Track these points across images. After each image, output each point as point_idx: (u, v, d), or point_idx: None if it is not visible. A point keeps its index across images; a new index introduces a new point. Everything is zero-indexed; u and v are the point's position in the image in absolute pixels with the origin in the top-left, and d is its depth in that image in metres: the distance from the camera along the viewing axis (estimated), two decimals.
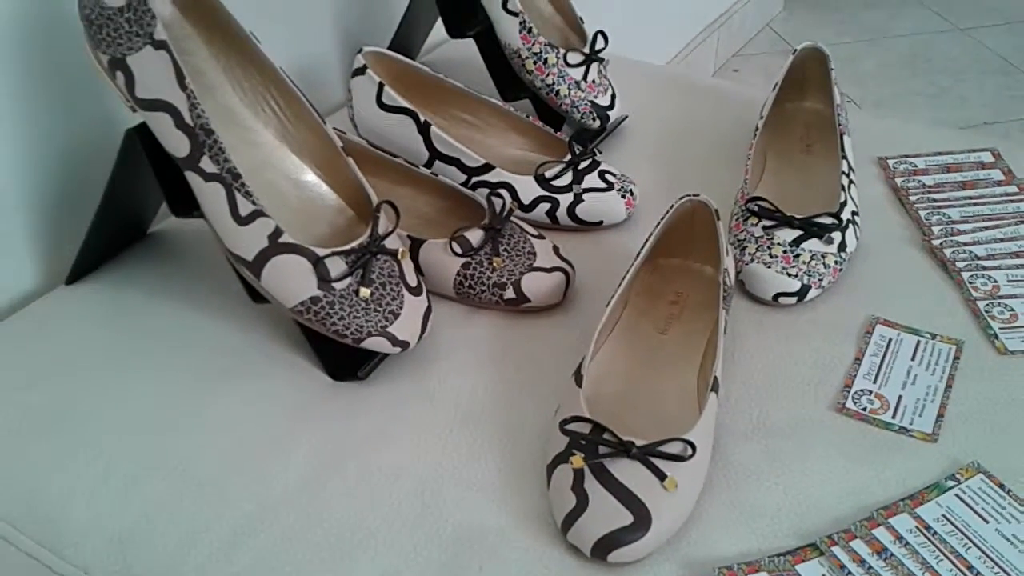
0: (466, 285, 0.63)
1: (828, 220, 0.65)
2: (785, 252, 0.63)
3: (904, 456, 0.53)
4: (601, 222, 0.71)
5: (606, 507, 0.46)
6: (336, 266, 0.55)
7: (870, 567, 0.46)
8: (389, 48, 0.81)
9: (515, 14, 0.77)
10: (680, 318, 0.61)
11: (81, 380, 0.58)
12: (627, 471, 0.47)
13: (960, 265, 0.66)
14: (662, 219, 0.61)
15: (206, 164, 0.54)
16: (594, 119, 0.78)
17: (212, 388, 0.58)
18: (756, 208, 0.66)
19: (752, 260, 0.64)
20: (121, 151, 0.57)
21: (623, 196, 0.70)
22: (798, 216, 0.64)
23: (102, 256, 0.67)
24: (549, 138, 0.76)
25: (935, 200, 0.73)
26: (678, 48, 1.78)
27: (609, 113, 0.79)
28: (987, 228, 0.69)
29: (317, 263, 0.54)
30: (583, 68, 0.77)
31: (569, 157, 0.71)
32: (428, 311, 0.58)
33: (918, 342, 0.60)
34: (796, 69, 0.79)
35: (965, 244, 0.68)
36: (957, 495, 0.50)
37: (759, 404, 0.57)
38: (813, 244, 0.64)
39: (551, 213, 0.71)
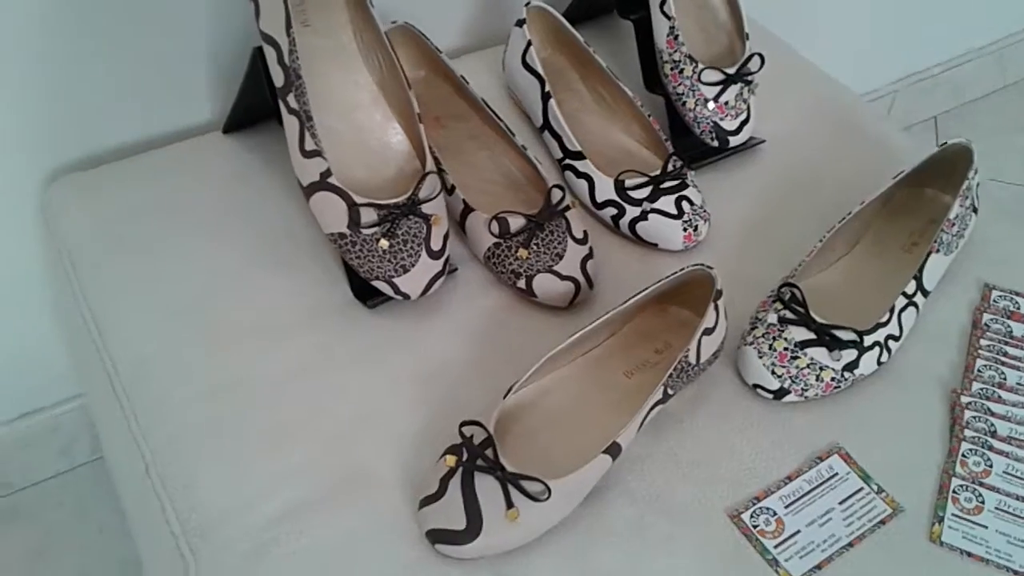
0: (492, 261, 0.70)
1: (848, 336, 0.63)
2: (785, 349, 0.63)
3: None
4: (656, 244, 0.73)
5: (452, 506, 0.54)
6: (368, 215, 0.64)
7: None
8: (568, 7, 0.85)
9: (668, 17, 0.76)
10: (654, 368, 0.64)
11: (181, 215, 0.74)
12: (486, 487, 0.55)
13: (968, 433, 0.62)
14: (671, 275, 0.63)
15: (291, 100, 0.63)
16: (713, 139, 0.78)
17: (258, 265, 0.71)
18: (787, 295, 0.65)
19: (752, 343, 0.64)
20: (251, 59, 0.68)
21: (685, 229, 0.72)
22: (820, 319, 0.64)
23: (249, 120, 0.81)
24: (659, 144, 0.77)
25: (1007, 355, 0.67)
26: (894, 78, 1.55)
27: (731, 138, 0.78)
28: None
29: (352, 207, 0.63)
30: (718, 88, 0.76)
31: (658, 172, 0.73)
32: (439, 275, 0.66)
33: (860, 489, 0.60)
34: (937, 162, 0.73)
35: (994, 413, 0.63)
36: None
37: (667, 477, 0.60)
38: (818, 353, 0.63)
39: (615, 219, 0.74)
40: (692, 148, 0.80)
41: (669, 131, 0.81)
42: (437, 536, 0.54)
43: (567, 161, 0.77)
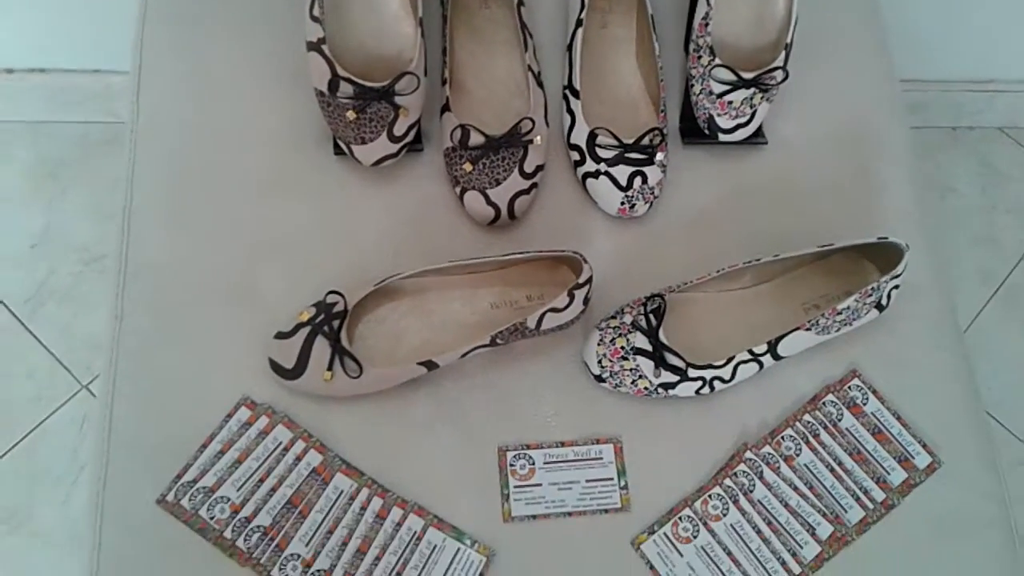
0: (446, 159, 0.78)
1: (677, 363, 0.71)
2: (622, 348, 0.72)
3: None
4: (596, 203, 0.80)
5: (291, 349, 0.70)
6: (345, 87, 0.73)
7: None
8: None
9: (708, 4, 0.76)
10: (516, 310, 0.75)
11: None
12: (320, 347, 0.69)
13: (727, 483, 0.72)
14: (548, 252, 0.71)
15: None
16: (706, 129, 0.80)
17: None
18: (653, 304, 0.73)
19: (602, 328, 0.73)
20: None
21: (623, 203, 0.78)
22: (663, 338, 0.72)
23: None
24: (655, 110, 0.81)
25: (817, 437, 0.74)
26: None
27: (721, 135, 0.80)
28: None
29: (334, 77, 0.73)
30: (726, 87, 0.77)
31: (630, 142, 0.78)
32: (394, 155, 0.76)
33: (609, 478, 0.72)
34: (874, 247, 0.75)
35: (763, 478, 0.72)
36: None
37: (474, 401, 0.74)
38: (645, 364, 0.72)
39: (576, 164, 0.80)
40: (694, 121, 0.83)
41: (682, 96, 0.83)
42: (272, 364, 0.71)
43: (566, 91, 0.82)
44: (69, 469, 1.17)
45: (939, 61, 1.25)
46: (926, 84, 1.29)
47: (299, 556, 0.67)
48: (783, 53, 0.77)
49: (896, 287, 0.74)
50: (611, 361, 0.72)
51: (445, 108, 0.79)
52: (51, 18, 1.17)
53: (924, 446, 0.74)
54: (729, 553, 0.70)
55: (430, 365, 0.70)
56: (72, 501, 1.15)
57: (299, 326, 0.71)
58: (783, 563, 0.70)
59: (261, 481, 0.69)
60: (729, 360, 0.72)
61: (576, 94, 0.80)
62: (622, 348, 0.72)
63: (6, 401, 1.21)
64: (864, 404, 0.75)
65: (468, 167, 0.77)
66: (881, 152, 0.86)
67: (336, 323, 0.70)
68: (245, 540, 0.67)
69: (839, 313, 0.72)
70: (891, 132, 0.87)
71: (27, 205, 1.30)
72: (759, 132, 0.84)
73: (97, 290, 1.25)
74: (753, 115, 0.79)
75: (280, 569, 0.67)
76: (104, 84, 1.27)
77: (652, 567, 0.69)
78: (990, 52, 1.24)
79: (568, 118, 0.81)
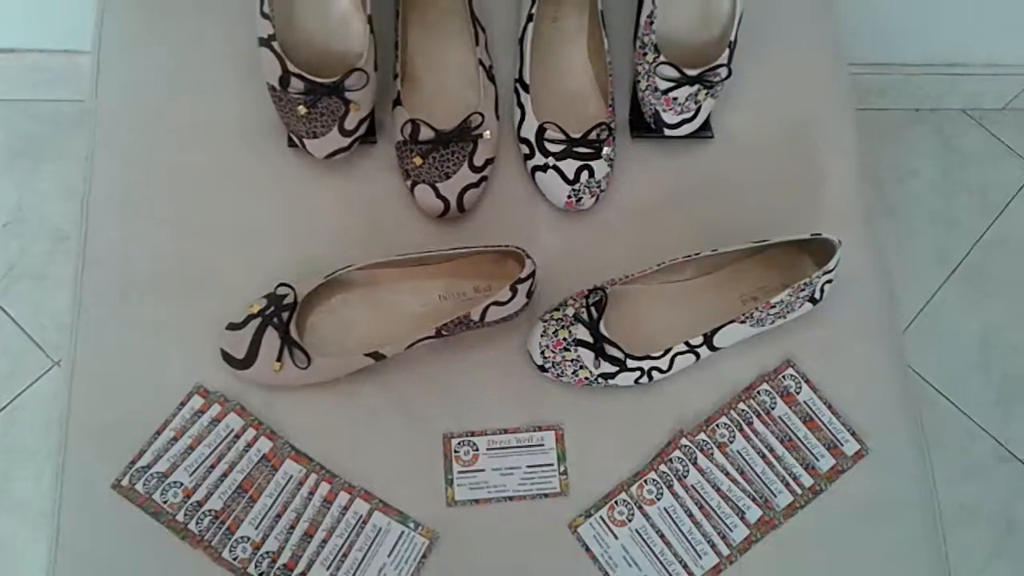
0: (397, 152, 0.80)
1: (616, 354, 0.74)
2: (564, 339, 0.75)
3: None
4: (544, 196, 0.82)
5: (242, 340, 0.72)
6: (296, 83, 0.75)
7: None
8: None
9: (654, 4, 0.77)
10: (464, 302, 0.77)
11: None
12: (270, 338, 0.72)
13: (663, 468, 0.75)
14: (493, 246, 0.74)
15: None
16: (652, 124, 0.82)
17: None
18: (595, 297, 0.75)
19: (545, 320, 0.76)
20: None
21: (570, 196, 0.80)
22: (604, 331, 0.74)
23: None
24: (603, 104, 0.83)
25: (751, 424, 0.77)
26: None
27: (667, 130, 0.82)
28: None
29: (284, 73, 0.74)
30: (670, 83, 0.79)
31: (578, 136, 0.80)
32: (345, 149, 0.78)
33: (551, 464, 0.75)
34: (810, 243, 0.78)
35: (696, 464, 0.75)
36: None
37: (419, 391, 0.76)
38: (586, 355, 0.74)
39: (525, 158, 0.82)
40: (642, 116, 0.84)
41: (631, 91, 0.85)
42: (224, 354, 0.73)
43: (517, 85, 0.83)
44: (42, 444, 1.20)
45: (902, 46, 1.27)
46: (889, 67, 1.30)
47: (249, 539, 0.70)
48: (727, 51, 0.79)
49: (829, 281, 0.77)
50: (553, 352, 0.75)
51: (397, 102, 0.81)
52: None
53: (853, 434, 0.77)
54: (662, 536, 0.73)
55: (377, 356, 0.73)
56: (44, 475, 1.19)
57: (250, 317, 0.73)
58: (713, 545, 0.73)
59: (213, 467, 0.72)
60: (667, 351, 0.75)
61: (526, 88, 0.82)
62: (564, 340, 0.75)
63: None
64: (797, 393, 0.78)
65: (418, 161, 0.79)
66: (827, 145, 0.88)
67: (285, 315, 0.72)
68: (197, 523, 0.70)
69: (773, 307, 0.75)
70: (838, 125, 0.89)
71: None
72: (706, 126, 0.86)
73: (69, 270, 1.27)
74: (698, 111, 0.81)
75: (230, 551, 0.70)
76: (75, 64, 1.27)
77: (588, 549, 0.73)
78: (954, 36, 1.25)
79: (518, 112, 0.83)
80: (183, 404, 0.73)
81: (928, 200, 1.36)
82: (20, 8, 1.19)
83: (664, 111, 0.81)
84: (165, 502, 0.71)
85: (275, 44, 0.74)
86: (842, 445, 0.77)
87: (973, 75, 1.31)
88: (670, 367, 0.75)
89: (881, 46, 1.26)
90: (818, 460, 0.76)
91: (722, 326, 0.75)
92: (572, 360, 0.75)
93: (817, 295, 0.77)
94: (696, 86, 0.79)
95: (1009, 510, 1.26)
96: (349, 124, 0.77)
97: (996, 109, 1.41)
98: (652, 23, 0.79)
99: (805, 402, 0.78)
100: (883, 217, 1.36)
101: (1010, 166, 1.38)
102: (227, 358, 0.73)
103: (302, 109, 0.76)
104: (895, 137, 1.39)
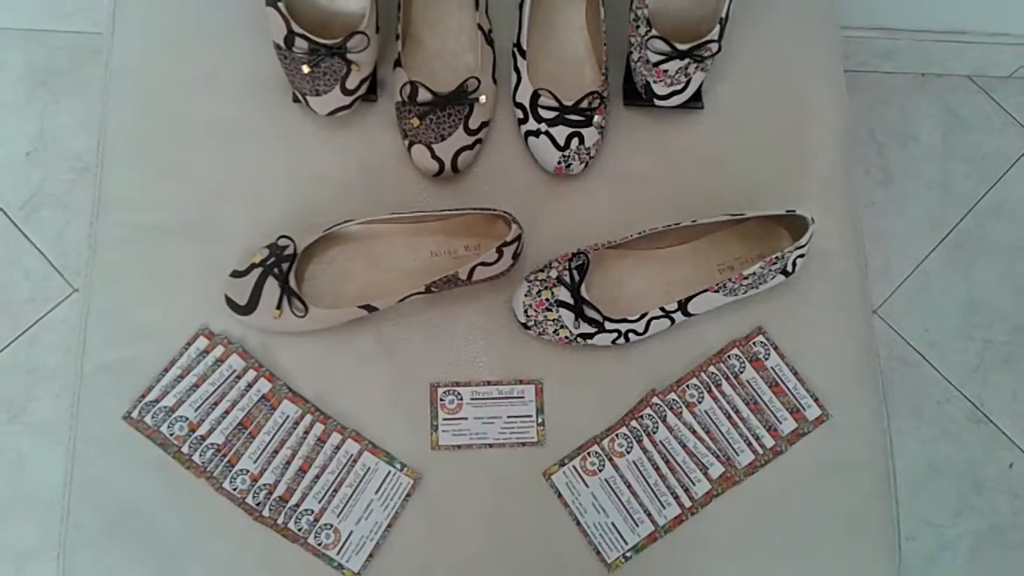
0: (396, 113, 0.84)
1: (595, 316, 0.79)
2: (547, 300, 0.79)
3: None
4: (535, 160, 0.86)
5: (244, 287, 0.77)
6: (300, 43, 0.78)
7: None
8: None
9: None
10: (455, 259, 0.82)
11: None
12: (271, 286, 0.77)
13: (633, 424, 0.80)
14: (483, 209, 0.78)
15: None
16: (643, 93, 0.85)
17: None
18: (578, 261, 0.79)
19: (530, 280, 0.80)
20: None
21: (559, 162, 0.83)
22: (584, 294, 0.79)
23: None
24: (598, 71, 0.85)
25: (719, 387, 0.82)
26: None
27: (657, 101, 0.84)
28: None
29: (289, 33, 0.77)
30: (661, 57, 0.81)
31: (570, 104, 0.83)
32: (346, 107, 0.81)
33: (528, 416, 0.80)
34: (785, 219, 0.81)
35: (665, 421, 0.80)
36: None
37: (408, 336, 0.81)
38: (567, 316, 0.79)
39: (519, 122, 0.85)
40: (628, 90, 0.87)
41: (626, 60, 0.88)
42: (227, 300, 0.78)
43: (515, 49, 0.86)
44: (61, 366, 1.27)
45: (911, 10, 1.27)
46: (897, 32, 1.30)
47: (247, 471, 0.76)
48: (718, 27, 0.81)
49: (801, 256, 0.80)
50: (536, 311, 0.79)
51: (397, 63, 0.84)
52: None
53: (816, 400, 0.82)
54: (629, 486, 0.79)
55: (370, 308, 0.77)
56: (63, 397, 1.26)
57: (252, 266, 0.78)
58: (676, 497, 0.79)
59: (215, 404, 0.78)
60: (643, 315, 0.79)
61: (523, 53, 0.85)
62: (547, 300, 0.79)
63: (4, 301, 1.30)
64: (766, 359, 0.83)
65: (416, 122, 0.82)
66: (814, 119, 0.90)
67: (286, 265, 0.77)
68: (200, 455, 0.76)
69: (745, 278, 0.79)
70: (826, 99, 0.91)
71: (22, 112, 1.36)
72: (696, 96, 0.88)
73: (88, 198, 1.32)
74: (688, 83, 0.84)
75: (230, 482, 0.76)
76: None
77: (560, 495, 0.79)
78: (964, 3, 1.26)
79: (515, 76, 0.86)
80: (189, 344, 0.79)
81: (926, 165, 1.38)
82: None
83: (655, 82, 0.83)
84: (171, 435, 0.77)
85: (281, 5, 0.77)
86: (804, 410, 0.82)
87: (981, 43, 1.32)
88: (646, 330, 0.80)
89: (890, 10, 1.27)
90: (780, 423, 0.81)
91: (697, 294, 0.79)
92: (553, 320, 0.79)
93: (789, 268, 0.80)
94: (686, 60, 0.82)
95: (978, 472, 1.31)
96: (350, 84, 0.81)
97: (1002, 77, 1.41)
98: None
99: (772, 368, 0.82)
100: (881, 183, 1.38)
101: (1011, 135, 1.39)
102: (230, 304, 0.78)
103: (306, 68, 0.79)
104: (899, 101, 1.40)
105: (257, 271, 0.78)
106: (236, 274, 0.78)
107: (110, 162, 0.84)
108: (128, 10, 0.87)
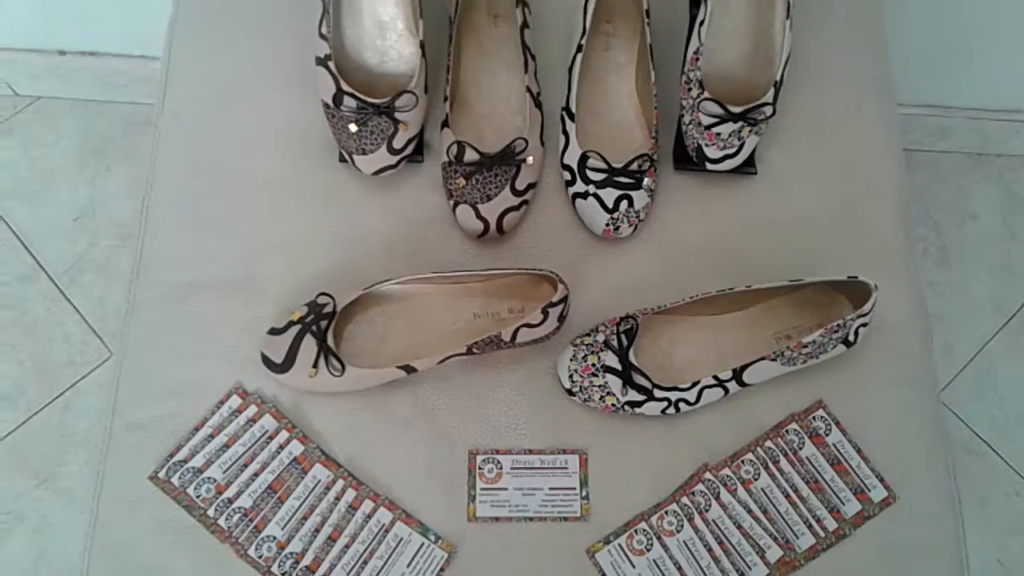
0: (443, 173, 0.82)
1: (643, 383, 0.75)
2: (593, 365, 0.76)
3: None
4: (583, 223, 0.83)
5: (282, 345, 0.75)
6: (348, 101, 0.77)
7: None
8: None
9: (700, 39, 0.78)
10: (497, 322, 0.79)
11: None
12: (308, 345, 0.74)
13: (684, 501, 0.75)
14: (529, 270, 0.75)
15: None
16: (695, 159, 0.83)
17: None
18: (626, 325, 0.76)
19: (577, 344, 0.77)
20: None
21: (608, 224, 0.81)
22: (633, 360, 0.75)
23: None
24: (647, 135, 0.84)
25: (777, 463, 0.77)
26: None
27: (709, 164, 0.82)
28: None
29: (338, 92, 0.77)
30: (714, 119, 0.79)
31: (619, 167, 0.81)
32: (393, 166, 0.80)
33: (573, 488, 0.75)
34: (845, 285, 0.77)
35: (719, 498, 0.75)
36: None
37: (446, 402, 0.78)
38: (614, 382, 0.75)
39: (567, 184, 0.83)
40: (686, 148, 0.85)
41: (677, 123, 0.86)
42: (263, 358, 0.76)
43: (563, 113, 0.85)
44: (94, 429, 1.25)
45: (966, 89, 1.25)
46: (952, 111, 1.28)
47: (275, 538, 0.73)
48: (772, 90, 0.79)
49: (864, 324, 0.76)
50: (582, 377, 0.76)
51: (445, 124, 0.83)
52: (102, 5, 1.23)
53: (881, 480, 0.76)
54: (679, 568, 0.74)
55: (409, 369, 0.74)
56: (94, 462, 1.23)
57: (290, 324, 0.76)
58: None
59: (245, 466, 0.74)
60: (695, 384, 0.75)
61: (572, 116, 0.83)
62: (593, 365, 0.76)
63: (44, 362, 1.29)
64: (826, 435, 0.78)
65: (462, 182, 0.81)
66: (871, 187, 0.87)
67: (324, 323, 0.75)
68: (227, 519, 0.73)
69: (805, 346, 0.74)
70: (885, 167, 0.89)
71: (73, 179, 1.38)
72: (749, 161, 0.86)
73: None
74: (741, 147, 0.82)
75: (256, 549, 0.72)
76: (149, 69, 1.33)
77: (603, 574, 0.73)
78: (1019, 82, 1.23)
79: (563, 139, 0.84)
80: (222, 403, 0.76)
81: (987, 246, 1.34)
82: (102, 14, 1.25)
83: (707, 146, 0.81)
84: (198, 496, 0.73)
85: (331, 64, 0.77)
86: (869, 491, 0.76)
87: None
88: (698, 400, 0.76)
89: (944, 88, 1.25)
90: (844, 504, 0.76)
91: (752, 362, 0.75)
92: (600, 386, 0.76)
93: (851, 337, 0.76)
94: (740, 123, 0.80)
95: None
96: (397, 143, 0.80)
97: None
98: (698, 59, 0.80)
99: (834, 444, 0.77)
100: (939, 262, 1.34)
101: None
102: (266, 361, 0.76)
103: (353, 127, 0.79)
104: (955, 180, 1.37)
105: (295, 328, 0.76)
106: (273, 331, 0.76)
107: (153, 219, 0.83)
108: (180, 70, 0.88)
